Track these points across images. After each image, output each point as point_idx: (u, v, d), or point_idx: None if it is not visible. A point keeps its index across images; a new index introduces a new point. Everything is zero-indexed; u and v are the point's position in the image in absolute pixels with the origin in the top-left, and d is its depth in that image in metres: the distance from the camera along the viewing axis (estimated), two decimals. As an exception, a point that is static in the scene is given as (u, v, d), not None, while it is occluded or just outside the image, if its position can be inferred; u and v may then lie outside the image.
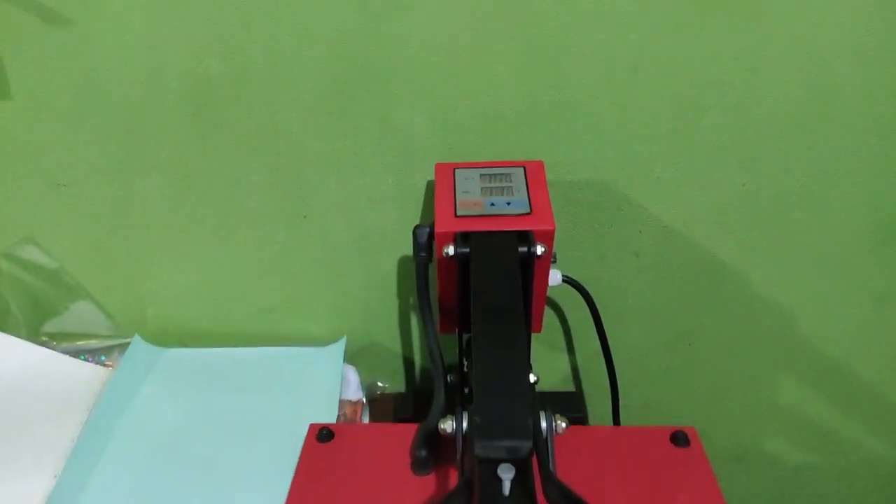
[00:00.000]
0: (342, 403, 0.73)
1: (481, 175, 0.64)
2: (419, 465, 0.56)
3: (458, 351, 0.68)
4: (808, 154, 0.70)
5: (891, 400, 0.88)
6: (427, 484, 0.55)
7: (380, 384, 0.83)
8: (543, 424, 0.47)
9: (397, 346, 0.85)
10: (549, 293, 0.73)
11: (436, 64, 0.66)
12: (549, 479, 0.41)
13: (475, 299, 0.53)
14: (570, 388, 0.88)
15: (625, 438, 0.58)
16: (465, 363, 0.69)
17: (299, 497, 0.55)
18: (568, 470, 0.54)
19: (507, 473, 0.43)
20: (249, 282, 0.80)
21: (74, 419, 0.68)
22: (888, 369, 0.85)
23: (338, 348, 0.79)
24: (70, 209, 0.75)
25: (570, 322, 0.82)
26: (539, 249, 0.57)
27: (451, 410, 0.54)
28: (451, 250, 0.57)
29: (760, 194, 0.72)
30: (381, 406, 0.80)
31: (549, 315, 0.82)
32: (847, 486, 0.95)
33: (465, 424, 0.47)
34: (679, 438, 0.57)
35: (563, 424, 0.47)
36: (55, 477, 0.62)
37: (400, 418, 0.78)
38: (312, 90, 0.67)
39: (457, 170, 0.65)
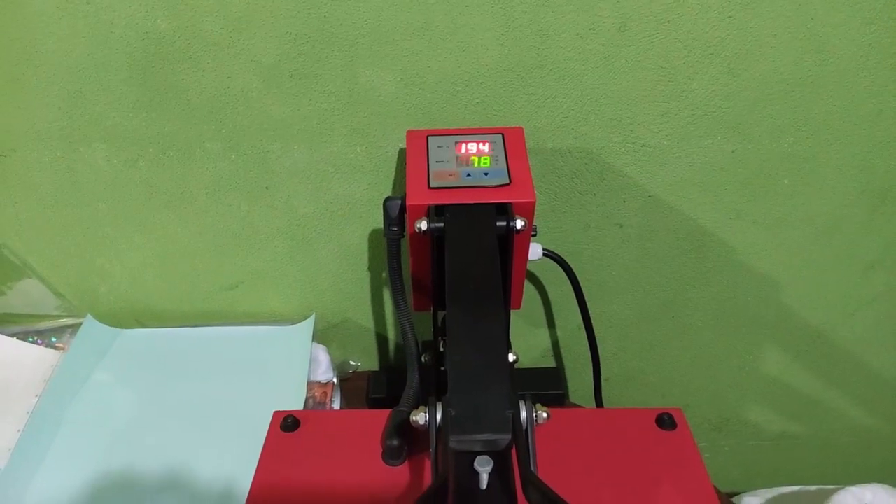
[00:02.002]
0: (311, 385, 0.69)
1: (456, 142, 0.60)
2: (391, 455, 0.53)
3: (433, 329, 0.64)
4: (800, 118, 0.66)
5: (874, 368, 0.87)
6: (400, 474, 0.52)
7: (352, 363, 0.79)
8: (523, 415, 0.43)
9: (370, 323, 0.81)
10: (528, 267, 0.70)
11: (406, 20, 0.60)
12: (530, 480, 0.38)
13: (450, 279, 0.50)
14: (550, 363, 0.85)
15: (609, 422, 0.56)
16: (441, 342, 0.65)
17: (262, 491, 0.51)
18: (550, 457, 0.51)
19: (484, 466, 0.40)
20: (209, 256, 0.75)
21: (21, 407, 0.64)
22: (873, 338, 0.84)
23: (306, 326, 0.75)
24: (10, 181, 0.70)
25: (551, 296, 0.79)
26: (519, 223, 0.53)
27: (424, 397, 0.51)
28: (423, 225, 0.54)
29: (749, 161, 0.69)
30: (353, 386, 0.76)
31: (528, 289, 0.78)
32: (827, 455, 0.95)
33: (438, 416, 0.44)
34: (665, 421, 0.55)
35: (545, 414, 0.44)
36: (-1, 471, 0.58)
37: (373, 399, 0.75)
38: (272, 49, 0.62)
39: (430, 137, 0.61)
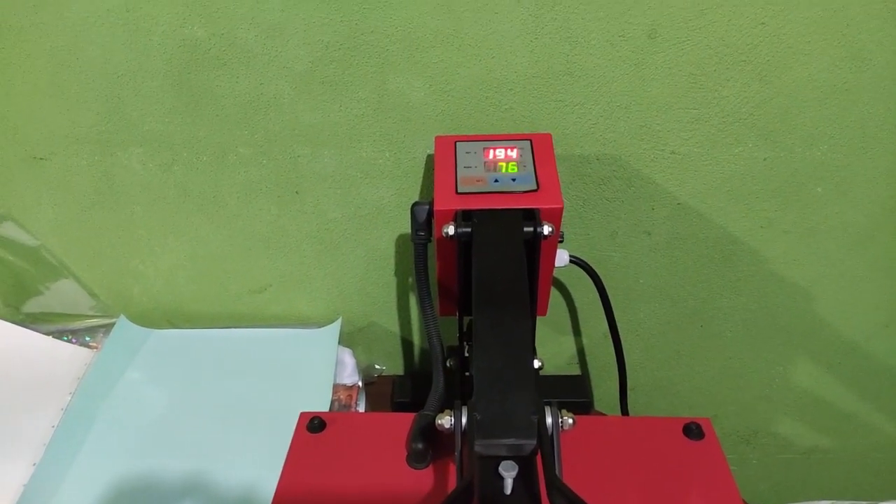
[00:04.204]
0: (337, 388, 0.70)
1: (484, 148, 0.60)
2: (416, 458, 0.53)
3: (458, 334, 0.65)
4: (834, 125, 0.65)
5: (909, 383, 0.84)
6: (424, 477, 0.52)
7: (377, 367, 0.80)
8: (549, 420, 0.43)
9: (395, 327, 0.82)
10: (555, 274, 0.70)
11: (436, 27, 0.61)
12: (555, 486, 0.38)
13: (477, 284, 0.50)
14: (576, 370, 0.85)
15: (635, 430, 0.55)
16: (466, 346, 0.65)
17: (289, 490, 0.52)
18: (575, 464, 0.51)
19: (509, 471, 0.40)
20: (240, 259, 0.76)
21: (55, 404, 0.65)
22: (908, 352, 0.82)
23: (333, 329, 0.75)
24: (49, 183, 0.72)
25: (577, 303, 0.79)
26: (546, 229, 0.53)
27: (449, 401, 0.51)
28: (451, 230, 0.54)
29: (781, 169, 0.68)
30: (378, 389, 0.77)
31: (554, 296, 0.78)
32: (859, 471, 0.93)
33: (464, 420, 0.44)
34: (692, 431, 0.54)
35: (570, 420, 0.44)
36: (34, 465, 0.59)
37: (398, 403, 0.75)
38: (304, 56, 0.63)
39: (458, 143, 0.61)
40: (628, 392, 0.78)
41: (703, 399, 0.87)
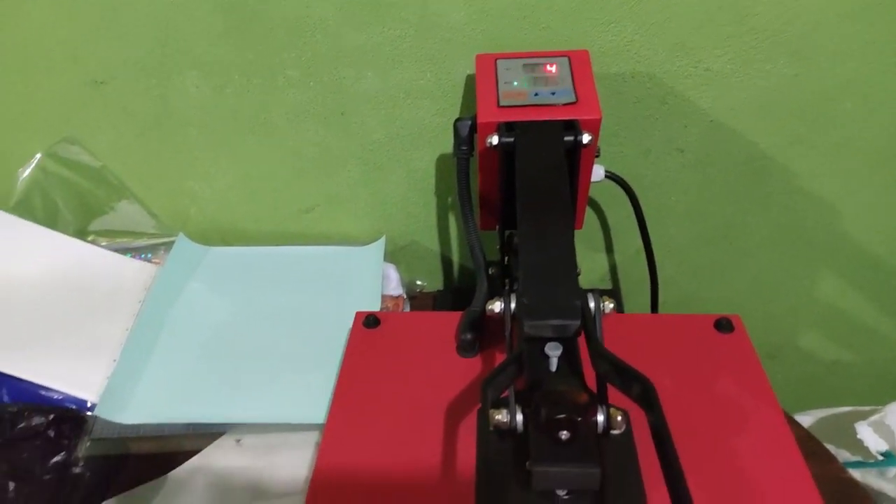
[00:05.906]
0: (384, 298, 0.74)
1: (524, 65, 0.62)
2: (465, 348, 0.57)
3: (498, 247, 0.68)
4: (865, 41, 0.66)
5: (932, 299, 0.87)
6: (473, 365, 0.57)
7: (418, 283, 0.84)
8: (591, 305, 0.47)
9: (436, 245, 0.85)
10: (589, 192, 0.73)
11: (477, -54, 0.63)
12: (599, 352, 0.42)
13: (521, 188, 0.53)
14: (608, 286, 0.88)
15: (668, 325, 0.59)
16: (506, 259, 0.69)
17: (349, 379, 0.57)
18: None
19: (554, 351, 0.44)
20: (289, 180, 0.80)
21: (127, 311, 0.70)
22: (932, 268, 0.84)
23: (378, 247, 0.79)
24: (110, 107, 0.75)
25: (610, 221, 0.82)
26: (585, 138, 0.56)
27: (496, 295, 0.55)
28: (494, 140, 0.57)
29: (811, 85, 0.69)
30: (419, 304, 0.81)
31: (588, 214, 0.81)
32: (882, 383, 0.96)
33: (513, 305, 0.48)
34: (723, 325, 0.58)
35: (611, 305, 0.48)
36: (114, 361, 0.65)
37: (440, 314, 0.80)
38: (348, -23, 0.65)
39: (499, 60, 0.63)
40: (659, 307, 0.82)
41: (730, 313, 0.90)
